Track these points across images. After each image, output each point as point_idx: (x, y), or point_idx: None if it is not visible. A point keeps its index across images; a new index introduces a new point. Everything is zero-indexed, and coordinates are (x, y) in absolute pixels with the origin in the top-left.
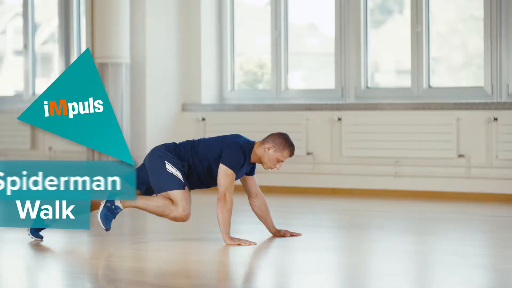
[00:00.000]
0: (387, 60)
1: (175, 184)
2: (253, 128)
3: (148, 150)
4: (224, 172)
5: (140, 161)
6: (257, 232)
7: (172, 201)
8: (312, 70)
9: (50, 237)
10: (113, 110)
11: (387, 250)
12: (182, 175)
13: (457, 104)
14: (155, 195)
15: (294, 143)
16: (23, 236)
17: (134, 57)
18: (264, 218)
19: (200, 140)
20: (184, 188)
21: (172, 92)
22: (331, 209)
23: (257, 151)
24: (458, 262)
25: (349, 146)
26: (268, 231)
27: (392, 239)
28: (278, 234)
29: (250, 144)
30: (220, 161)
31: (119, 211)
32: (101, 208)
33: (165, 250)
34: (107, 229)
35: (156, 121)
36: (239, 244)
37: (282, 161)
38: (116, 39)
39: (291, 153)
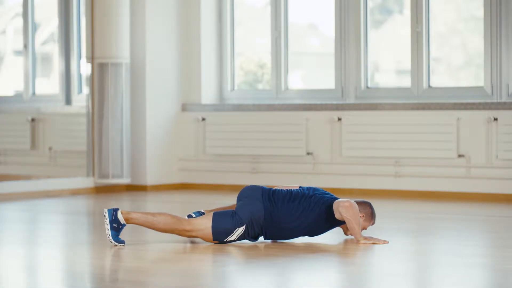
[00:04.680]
0: (387, 60)
1: (217, 231)
2: (253, 128)
3: (148, 150)
4: (342, 200)
5: (139, 160)
6: None
7: (187, 221)
8: (312, 70)
9: (49, 237)
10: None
11: (387, 250)
12: (234, 234)
13: (457, 104)
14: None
15: (294, 143)
16: (23, 236)
17: (134, 57)
18: None
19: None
20: (212, 239)
21: (172, 92)
22: None
23: None
24: (458, 262)
25: (349, 146)
26: None
27: (392, 239)
28: None
29: None
30: (336, 201)
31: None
32: (108, 231)
33: (165, 250)
34: (123, 242)
35: (156, 121)
36: (373, 243)
37: (365, 229)
38: (116, 39)
39: (374, 223)
